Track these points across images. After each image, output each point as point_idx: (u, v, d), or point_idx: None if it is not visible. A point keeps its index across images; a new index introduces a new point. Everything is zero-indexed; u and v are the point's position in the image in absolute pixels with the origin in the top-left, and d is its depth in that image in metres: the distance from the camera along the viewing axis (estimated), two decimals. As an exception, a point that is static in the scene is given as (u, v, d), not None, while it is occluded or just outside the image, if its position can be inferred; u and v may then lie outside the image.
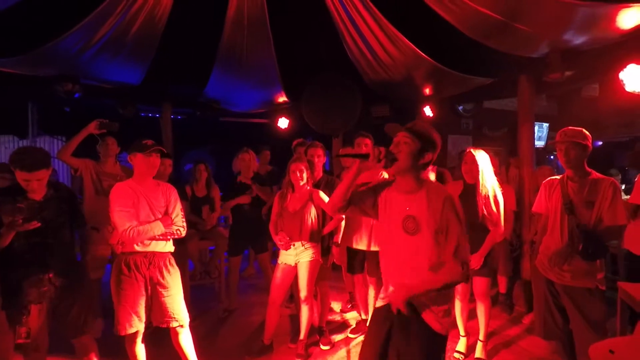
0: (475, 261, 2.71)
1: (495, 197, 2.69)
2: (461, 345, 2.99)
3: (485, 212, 2.65)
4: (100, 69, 4.31)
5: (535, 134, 4.74)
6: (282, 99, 5.53)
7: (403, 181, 1.69)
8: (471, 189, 2.73)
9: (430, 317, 1.66)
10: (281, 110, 5.81)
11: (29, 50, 3.61)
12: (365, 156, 1.65)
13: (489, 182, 2.69)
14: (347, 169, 1.76)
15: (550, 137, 7.84)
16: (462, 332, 3.01)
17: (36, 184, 2.09)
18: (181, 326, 2.41)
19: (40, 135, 6.80)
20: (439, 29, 3.59)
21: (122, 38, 3.80)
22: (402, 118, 5.65)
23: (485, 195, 2.66)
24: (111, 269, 2.99)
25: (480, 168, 2.68)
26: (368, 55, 4.38)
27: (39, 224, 2.02)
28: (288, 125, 5.79)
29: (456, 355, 2.96)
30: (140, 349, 2.37)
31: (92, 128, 3.23)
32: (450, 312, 1.73)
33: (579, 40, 3.36)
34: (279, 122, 5.77)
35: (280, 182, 3.90)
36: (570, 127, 2.20)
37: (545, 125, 7.83)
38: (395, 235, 1.72)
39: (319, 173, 3.26)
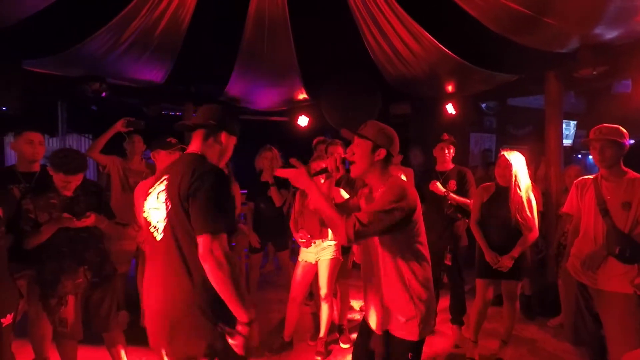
0: (506, 262, 2.64)
1: (529, 200, 2.62)
2: (470, 351, 2.90)
3: (518, 217, 2.59)
4: (126, 69, 4.42)
5: (562, 132, 4.58)
6: (302, 96, 5.54)
7: (370, 181, 1.73)
8: (503, 191, 2.67)
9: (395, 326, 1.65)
10: (301, 108, 5.82)
11: (59, 51, 3.74)
12: (324, 171, 1.72)
13: (523, 185, 2.62)
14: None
15: (578, 135, 7.57)
16: (472, 337, 2.91)
17: (74, 185, 2.20)
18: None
19: (69, 134, 7.03)
20: (463, 24, 3.51)
21: (148, 39, 3.88)
22: (423, 116, 5.59)
23: (519, 200, 2.60)
24: (137, 263, 3.08)
25: (514, 172, 2.60)
26: (389, 52, 4.33)
27: (91, 220, 2.12)
28: (308, 123, 5.79)
29: None
30: (165, 342, 2.43)
31: (119, 126, 3.33)
32: (422, 318, 1.63)
33: (611, 34, 3.22)
34: (298, 120, 5.78)
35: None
36: (605, 125, 2.10)
37: (573, 123, 7.57)
38: None
39: (340, 171, 3.24)
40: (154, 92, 5.00)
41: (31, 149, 2.51)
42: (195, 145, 1.57)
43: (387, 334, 1.68)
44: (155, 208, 1.51)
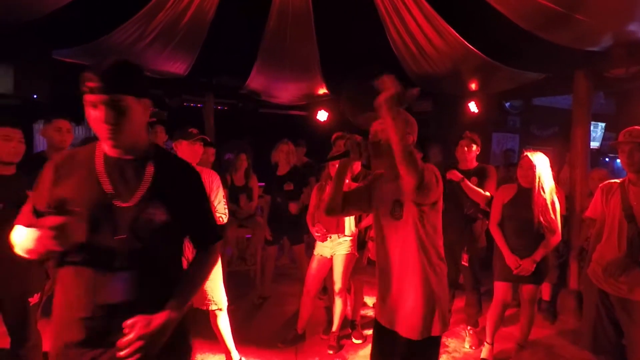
0: (527, 266, 2.58)
1: (553, 203, 2.56)
2: (485, 352, 2.86)
3: (542, 220, 2.53)
4: (151, 60, 4.50)
5: (590, 134, 4.43)
6: (322, 90, 5.53)
7: (391, 168, 1.62)
8: (526, 192, 2.61)
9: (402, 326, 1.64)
10: (321, 102, 5.82)
11: (87, 41, 3.84)
12: (345, 154, 1.66)
13: (547, 187, 2.55)
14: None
15: (606, 137, 7.30)
16: (488, 339, 2.87)
17: None
18: (220, 309, 2.50)
19: (94, 122, 7.24)
20: (490, 20, 3.42)
21: (173, 31, 3.94)
22: (444, 114, 5.49)
23: (543, 202, 2.54)
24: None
25: (537, 173, 2.54)
26: (412, 48, 4.27)
27: None
28: (327, 117, 5.78)
29: None
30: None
31: (142, 116, 3.40)
32: (440, 313, 1.63)
33: (648, 32, 3.08)
34: (318, 114, 5.78)
35: (318, 175, 3.92)
36: (636, 127, 2.03)
37: (601, 124, 7.31)
38: (384, 222, 1.70)
39: (358, 167, 3.24)
40: (177, 83, 5.08)
41: (59, 136, 2.60)
42: None
43: (402, 333, 1.66)
44: None
